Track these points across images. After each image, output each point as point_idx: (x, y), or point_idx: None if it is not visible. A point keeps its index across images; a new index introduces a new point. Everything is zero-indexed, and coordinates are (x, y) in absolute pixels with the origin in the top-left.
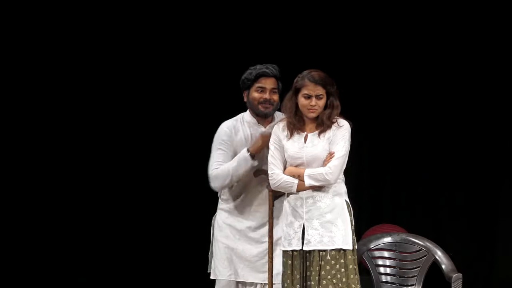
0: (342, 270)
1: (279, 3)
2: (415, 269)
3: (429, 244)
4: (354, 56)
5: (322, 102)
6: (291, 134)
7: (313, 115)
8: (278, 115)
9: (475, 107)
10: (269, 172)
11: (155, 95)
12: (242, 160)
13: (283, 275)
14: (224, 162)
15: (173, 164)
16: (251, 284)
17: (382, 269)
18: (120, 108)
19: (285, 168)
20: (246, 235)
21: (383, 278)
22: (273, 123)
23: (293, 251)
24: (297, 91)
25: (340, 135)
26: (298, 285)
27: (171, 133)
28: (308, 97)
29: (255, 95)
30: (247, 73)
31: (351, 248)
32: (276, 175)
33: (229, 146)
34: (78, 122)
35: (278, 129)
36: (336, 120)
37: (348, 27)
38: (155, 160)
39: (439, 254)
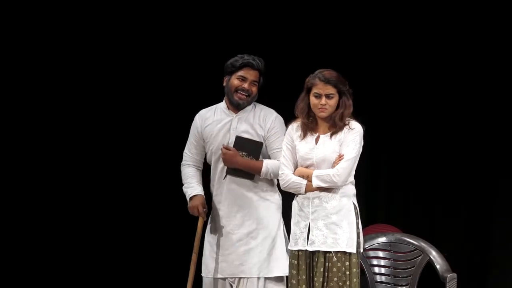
0: (347, 273)
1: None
2: (410, 269)
3: (423, 244)
4: (350, 57)
5: (332, 102)
6: (304, 135)
7: (323, 114)
8: (257, 105)
9: (470, 107)
10: (279, 172)
11: (151, 96)
12: (186, 192)
13: (289, 275)
14: (192, 153)
15: (169, 163)
16: (233, 279)
17: (376, 269)
18: (117, 109)
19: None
20: (220, 227)
21: (378, 278)
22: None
23: (298, 251)
24: (308, 90)
25: (351, 138)
26: (304, 286)
27: (169, 133)
28: (318, 96)
29: (235, 82)
30: (233, 60)
31: (354, 251)
32: (285, 175)
33: (198, 138)
34: (76, 122)
35: (292, 129)
36: (349, 123)
37: (357, 29)
38: (153, 159)
39: (434, 254)
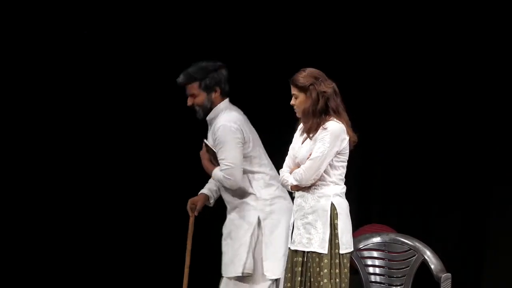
0: (321, 273)
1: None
2: (404, 269)
3: (418, 244)
4: (346, 56)
5: (298, 101)
6: (301, 135)
7: (297, 115)
8: (224, 113)
9: (465, 108)
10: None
11: (149, 96)
12: None
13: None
14: None
15: (176, 163)
16: None
17: (371, 269)
18: (117, 109)
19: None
20: None
21: (372, 278)
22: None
23: (289, 248)
24: None
25: (320, 137)
26: (289, 284)
27: (172, 133)
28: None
29: None
30: None
31: (326, 252)
32: (281, 171)
33: None
34: (76, 123)
35: (298, 129)
36: (324, 123)
37: (353, 27)
38: (151, 160)
39: (428, 254)
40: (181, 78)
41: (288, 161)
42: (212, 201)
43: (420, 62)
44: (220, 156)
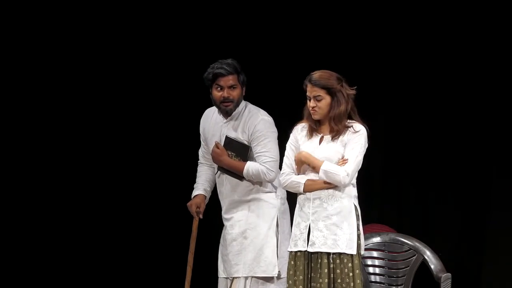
0: (351, 274)
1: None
2: (404, 269)
3: (418, 244)
4: (347, 53)
5: (322, 104)
6: (310, 136)
7: (315, 116)
8: (247, 107)
9: (466, 109)
10: (281, 171)
11: (150, 96)
12: None
13: (287, 276)
14: (202, 152)
15: (168, 164)
16: (232, 278)
17: (371, 269)
18: (117, 109)
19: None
20: (223, 227)
21: (372, 278)
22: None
23: (297, 252)
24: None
25: (355, 140)
26: (301, 287)
27: (168, 134)
28: (309, 98)
29: (216, 93)
30: (206, 73)
31: (354, 252)
32: (286, 174)
33: (202, 137)
34: (77, 123)
35: (297, 130)
36: (352, 125)
37: (356, 26)
38: (152, 160)
39: (428, 254)
40: (230, 68)
41: (289, 163)
42: (206, 202)
43: (419, 59)
44: (262, 148)
